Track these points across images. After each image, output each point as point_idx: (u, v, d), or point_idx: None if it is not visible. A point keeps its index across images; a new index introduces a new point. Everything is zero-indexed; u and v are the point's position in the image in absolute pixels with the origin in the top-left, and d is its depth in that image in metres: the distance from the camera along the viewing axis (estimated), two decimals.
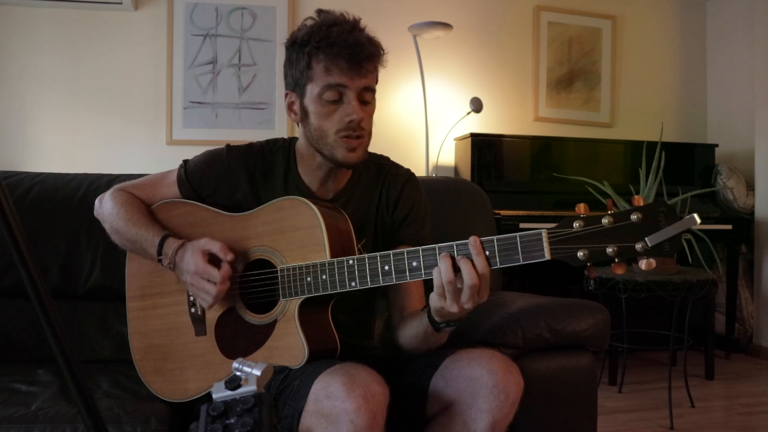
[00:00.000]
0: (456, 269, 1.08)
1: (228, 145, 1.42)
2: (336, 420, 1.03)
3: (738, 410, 2.85)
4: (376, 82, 1.32)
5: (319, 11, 1.29)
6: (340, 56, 1.23)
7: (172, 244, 1.30)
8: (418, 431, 1.23)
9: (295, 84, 1.30)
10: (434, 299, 1.13)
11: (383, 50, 1.30)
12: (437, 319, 1.18)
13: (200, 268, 1.24)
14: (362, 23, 1.30)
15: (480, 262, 1.07)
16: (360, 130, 1.27)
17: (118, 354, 1.72)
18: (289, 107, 1.34)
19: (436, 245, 1.11)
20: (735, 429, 2.60)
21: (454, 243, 1.09)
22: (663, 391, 2.75)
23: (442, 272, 1.08)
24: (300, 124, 1.34)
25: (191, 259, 1.26)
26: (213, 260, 1.26)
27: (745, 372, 3.46)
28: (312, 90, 1.27)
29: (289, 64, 1.31)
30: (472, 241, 1.07)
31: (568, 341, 1.51)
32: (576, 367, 1.52)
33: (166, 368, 1.38)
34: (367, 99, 1.29)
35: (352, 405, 1.02)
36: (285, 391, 1.17)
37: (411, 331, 1.28)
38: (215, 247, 1.25)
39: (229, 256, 1.24)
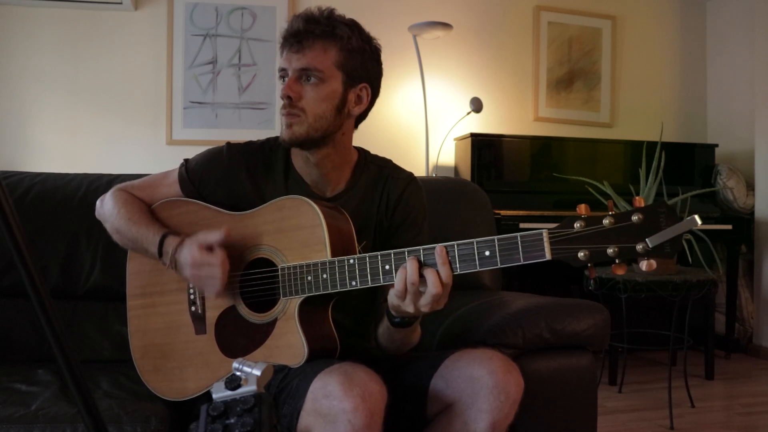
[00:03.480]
0: (421, 273, 1.10)
1: (228, 143, 1.42)
2: (334, 419, 1.03)
3: (738, 410, 2.85)
4: (334, 65, 1.28)
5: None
6: (284, 40, 1.30)
7: (171, 242, 1.31)
8: (419, 431, 1.23)
9: None
10: (392, 297, 1.15)
11: (332, 28, 1.27)
12: (393, 313, 1.20)
13: (197, 257, 1.24)
14: (337, 13, 1.31)
15: (445, 272, 1.09)
16: (290, 107, 1.28)
17: (118, 354, 1.72)
18: None
19: (435, 246, 1.11)
20: (735, 429, 2.60)
21: (456, 243, 1.09)
22: (663, 391, 2.75)
23: (408, 273, 1.10)
24: None
25: (188, 252, 1.26)
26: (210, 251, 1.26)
27: (745, 372, 3.46)
28: None
29: None
30: (438, 251, 1.09)
31: (568, 341, 1.51)
32: (576, 367, 1.52)
33: (166, 367, 1.38)
34: (309, 78, 1.28)
35: (350, 404, 1.02)
36: (284, 391, 1.17)
37: (380, 329, 1.31)
38: (212, 237, 1.26)
39: (225, 231, 1.25)
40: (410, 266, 1.10)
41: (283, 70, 1.30)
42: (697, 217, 0.95)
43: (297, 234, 1.24)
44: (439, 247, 1.10)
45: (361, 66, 1.32)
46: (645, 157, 2.83)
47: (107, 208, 1.42)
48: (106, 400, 1.36)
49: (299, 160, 1.38)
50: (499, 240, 1.06)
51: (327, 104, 1.29)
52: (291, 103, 1.27)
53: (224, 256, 1.24)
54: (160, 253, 1.32)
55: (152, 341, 1.41)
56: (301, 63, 1.27)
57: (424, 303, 1.11)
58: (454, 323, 1.60)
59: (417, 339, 1.31)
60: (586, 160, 3.75)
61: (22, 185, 1.83)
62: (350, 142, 1.39)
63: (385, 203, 1.40)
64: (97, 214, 1.46)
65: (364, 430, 1.02)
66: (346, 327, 1.33)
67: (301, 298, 1.21)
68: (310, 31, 1.27)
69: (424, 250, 1.12)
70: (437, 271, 1.09)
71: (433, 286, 1.08)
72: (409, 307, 1.12)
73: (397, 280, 1.11)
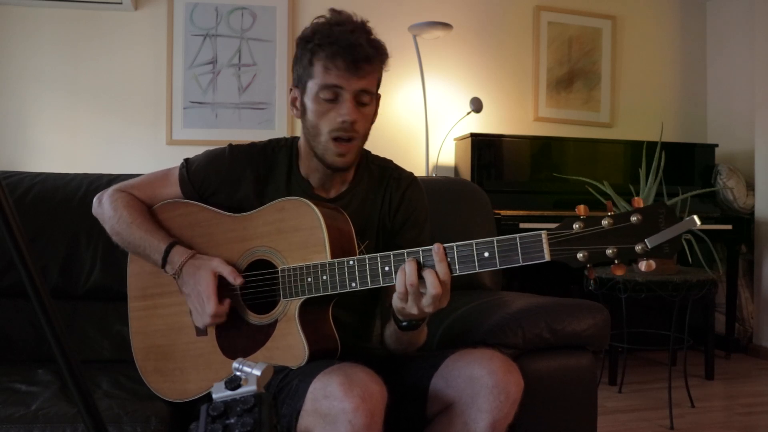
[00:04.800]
0: (420, 275, 1.10)
1: (230, 145, 1.42)
2: (334, 420, 1.03)
3: (738, 410, 2.85)
4: (378, 85, 1.32)
5: (332, 10, 1.30)
6: (338, 56, 1.23)
7: (180, 253, 1.31)
8: (419, 431, 1.23)
9: (299, 80, 1.32)
10: (395, 301, 1.15)
11: (386, 53, 1.29)
12: (399, 317, 1.20)
13: (206, 293, 1.26)
14: (369, 26, 1.29)
15: (442, 269, 1.09)
16: (352, 132, 1.27)
17: (118, 354, 1.72)
18: (292, 102, 1.35)
19: (435, 245, 1.11)
20: (735, 429, 2.60)
21: (455, 244, 1.09)
22: (663, 391, 2.75)
23: (407, 275, 1.10)
24: (301, 119, 1.35)
25: (202, 279, 1.26)
26: (220, 281, 1.27)
27: (745, 372, 3.46)
28: (311, 87, 1.28)
29: (296, 59, 1.33)
30: (436, 248, 1.10)
31: (568, 341, 1.51)
32: (576, 367, 1.52)
33: (167, 368, 1.38)
34: (363, 101, 1.28)
35: (350, 405, 1.02)
36: (284, 391, 1.17)
37: (387, 331, 1.31)
38: (225, 271, 1.26)
39: (239, 280, 1.26)
40: (409, 268, 1.10)
41: (335, 87, 1.25)
42: (696, 217, 0.95)
43: (296, 235, 1.24)
44: (436, 245, 1.10)
45: (381, 81, 1.35)
46: (645, 157, 2.83)
47: (106, 208, 1.42)
48: (106, 400, 1.36)
49: (305, 162, 1.38)
50: (498, 241, 1.06)
51: (370, 123, 1.33)
52: (353, 127, 1.27)
53: (223, 311, 1.26)
54: (164, 262, 1.32)
55: (153, 342, 1.41)
56: (361, 85, 1.26)
57: (426, 304, 1.11)
58: (454, 323, 1.60)
59: (424, 338, 1.31)
60: (586, 160, 3.75)
61: (22, 185, 1.83)
62: None
63: (387, 204, 1.41)
64: (94, 212, 1.46)
65: (365, 430, 1.02)
66: (347, 327, 1.34)
67: (302, 300, 1.22)
68: (374, 57, 1.26)
69: (423, 251, 1.12)
70: (436, 272, 1.09)
71: (432, 287, 1.08)
72: (412, 309, 1.12)
73: (398, 283, 1.12)
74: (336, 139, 1.28)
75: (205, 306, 1.26)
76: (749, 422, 2.67)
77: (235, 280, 1.26)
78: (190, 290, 1.29)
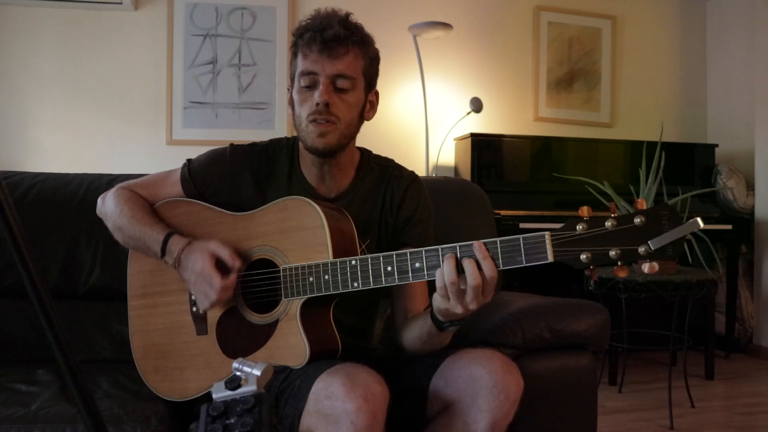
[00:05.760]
0: (460, 270, 1.07)
1: (232, 145, 1.42)
2: (336, 420, 1.03)
3: (738, 410, 2.85)
4: (366, 74, 1.31)
5: (317, 10, 1.31)
6: (313, 41, 1.26)
7: (177, 241, 1.30)
8: (419, 431, 1.23)
9: (291, 77, 1.34)
10: (437, 300, 1.12)
11: (364, 36, 1.30)
12: (441, 318, 1.17)
13: (206, 270, 1.24)
14: (353, 17, 1.30)
15: (487, 266, 1.06)
16: (327, 115, 1.26)
17: (118, 354, 1.72)
18: (289, 101, 1.36)
19: (439, 246, 1.11)
20: (735, 429, 2.60)
21: (457, 245, 1.09)
22: (663, 391, 2.75)
23: (445, 273, 1.08)
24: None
25: (198, 260, 1.25)
26: (219, 264, 1.26)
27: (745, 372, 3.46)
28: (296, 79, 1.30)
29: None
30: (477, 246, 1.07)
31: (568, 341, 1.51)
32: (576, 367, 1.53)
33: (167, 367, 1.38)
34: (341, 86, 1.27)
35: (353, 405, 1.02)
36: (286, 391, 1.17)
37: (414, 332, 1.28)
38: (224, 253, 1.25)
39: (237, 263, 1.25)
40: (446, 266, 1.08)
41: (311, 74, 1.27)
42: (699, 219, 0.95)
43: (299, 235, 1.24)
44: (477, 243, 1.07)
45: (375, 73, 1.36)
46: (645, 157, 2.83)
47: (109, 206, 1.42)
48: (106, 400, 1.36)
49: (307, 161, 1.38)
50: (501, 242, 1.06)
51: (355, 111, 1.31)
52: (327, 109, 1.26)
53: (229, 283, 1.24)
54: (164, 252, 1.31)
55: (153, 341, 1.41)
56: (336, 69, 1.26)
57: (469, 300, 1.08)
58: None
59: (450, 337, 1.28)
60: (586, 160, 3.75)
61: (22, 185, 1.83)
62: (354, 144, 1.40)
63: (389, 202, 1.41)
64: (98, 211, 1.46)
65: (367, 430, 1.02)
66: (348, 327, 1.33)
67: (303, 299, 1.21)
68: (348, 38, 1.26)
69: (426, 252, 1.11)
70: (476, 261, 1.06)
71: (472, 278, 1.06)
72: (456, 309, 1.09)
73: (437, 281, 1.10)
74: (314, 122, 1.28)
75: (209, 283, 1.23)
76: (749, 422, 2.67)
77: (234, 262, 1.24)
78: (189, 274, 1.27)
